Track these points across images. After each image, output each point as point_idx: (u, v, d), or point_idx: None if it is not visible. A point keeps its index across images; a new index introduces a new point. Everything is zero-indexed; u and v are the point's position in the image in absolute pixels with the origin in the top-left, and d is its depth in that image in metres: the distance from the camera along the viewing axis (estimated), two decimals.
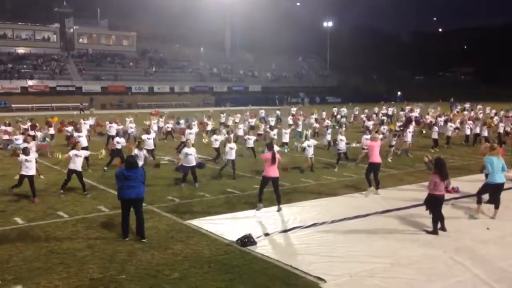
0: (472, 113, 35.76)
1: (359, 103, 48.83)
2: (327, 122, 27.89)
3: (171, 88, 69.24)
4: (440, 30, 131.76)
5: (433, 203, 9.65)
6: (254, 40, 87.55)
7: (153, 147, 17.69)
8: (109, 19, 77.00)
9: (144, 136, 17.87)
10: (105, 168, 16.48)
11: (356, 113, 38.30)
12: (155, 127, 25.42)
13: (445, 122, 25.49)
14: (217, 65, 79.68)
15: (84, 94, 61.53)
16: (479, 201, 11.06)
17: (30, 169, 12.17)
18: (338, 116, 35.13)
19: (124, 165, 9.39)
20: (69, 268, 7.81)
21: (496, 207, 10.84)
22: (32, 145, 14.92)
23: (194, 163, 14.10)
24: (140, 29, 76.45)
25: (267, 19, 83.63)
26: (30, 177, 12.21)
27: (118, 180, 9.34)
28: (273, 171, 11.11)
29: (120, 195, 9.31)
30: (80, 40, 72.94)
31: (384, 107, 40.57)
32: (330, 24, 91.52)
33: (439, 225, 9.60)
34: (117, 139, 17.24)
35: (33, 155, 12.44)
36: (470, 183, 14.15)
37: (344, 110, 38.62)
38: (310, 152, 16.58)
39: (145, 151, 14.30)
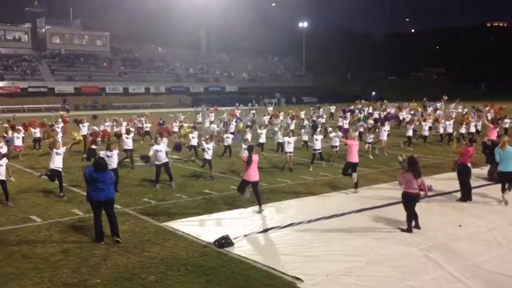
0: (442, 112, 36.47)
1: (334, 103, 49.25)
2: (306, 122, 28.05)
3: (147, 89, 68.60)
4: (412, 30, 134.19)
5: (407, 201, 9.80)
6: (229, 41, 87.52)
7: (131, 147, 17.54)
8: (82, 19, 75.89)
9: (123, 136, 17.76)
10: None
11: (333, 111, 38.63)
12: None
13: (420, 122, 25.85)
14: (193, 66, 79.27)
15: (56, 95, 60.41)
16: (503, 190, 11.97)
17: (0, 174, 11.87)
18: (314, 117, 35.18)
19: (93, 166, 9.22)
20: (42, 273, 7.67)
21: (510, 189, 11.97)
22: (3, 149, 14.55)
23: (166, 160, 14.03)
24: (114, 29, 75.45)
25: (242, 19, 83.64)
26: (2, 182, 11.92)
27: (86, 181, 9.21)
28: (253, 175, 11.03)
29: (88, 197, 9.19)
30: (52, 40, 71.57)
31: (360, 106, 41.08)
32: (305, 24, 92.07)
33: (413, 223, 9.76)
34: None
35: (4, 161, 12.07)
36: (442, 181, 14.45)
37: (321, 110, 38.85)
38: (290, 148, 16.75)
39: (117, 151, 13.98)
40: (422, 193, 9.91)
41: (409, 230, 9.66)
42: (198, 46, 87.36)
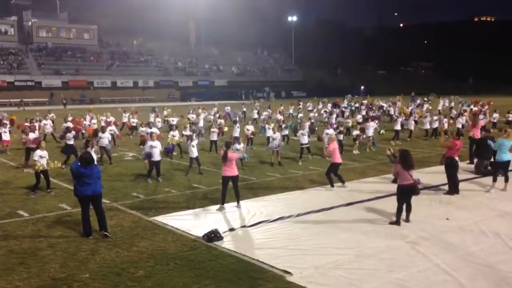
0: (427, 106, 36.80)
1: (324, 97, 49.36)
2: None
3: (135, 83, 68.15)
4: (401, 25, 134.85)
5: (402, 193, 9.91)
6: (218, 34, 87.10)
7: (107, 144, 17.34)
8: (69, 12, 74.89)
9: (99, 134, 17.59)
10: (63, 166, 16.10)
11: (320, 107, 38.69)
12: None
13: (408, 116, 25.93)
14: (182, 59, 78.86)
15: (44, 89, 59.77)
16: (495, 179, 12.67)
17: None
18: (299, 110, 35.16)
19: (79, 161, 9.16)
20: (30, 268, 7.61)
21: (506, 180, 12.65)
22: None
23: (159, 158, 14.06)
24: (102, 22, 74.69)
25: (232, 13, 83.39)
26: None
27: (73, 176, 9.16)
28: (230, 170, 10.98)
29: (76, 192, 9.15)
30: (39, 33, 70.68)
31: (346, 101, 41.19)
32: (294, 18, 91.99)
33: (404, 217, 9.84)
34: (68, 135, 16.95)
35: None
36: (430, 175, 14.56)
37: (309, 104, 38.95)
38: (274, 144, 16.73)
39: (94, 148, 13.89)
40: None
41: (397, 222, 9.74)
42: (187, 39, 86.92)
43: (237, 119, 24.62)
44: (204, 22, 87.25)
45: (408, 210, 9.91)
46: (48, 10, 73.65)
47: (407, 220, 9.86)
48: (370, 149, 20.25)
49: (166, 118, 28.11)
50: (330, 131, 18.32)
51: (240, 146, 14.40)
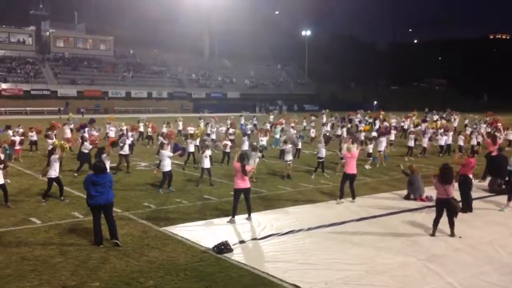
0: (443, 121, 36.46)
1: (336, 111, 49.27)
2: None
3: (149, 93, 68.73)
4: (415, 41, 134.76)
5: (436, 206, 10.27)
6: (232, 47, 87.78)
7: (127, 152, 17.56)
8: (86, 23, 76.18)
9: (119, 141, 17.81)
10: (75, 174, 16.26)
11: (334, 121, 38.63)
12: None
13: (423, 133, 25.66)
14: (195, 71, 79.48)
15: (59, 98, 60.52)
16: (510, 198, 12.52)
17: None
18: (312, 124, 35.12)
19: (92, 170, 9.25)
20: (41, 275, 7.66)
21: None
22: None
23: (170, 168, 14.21)
24: (118, 33, 75.83)
25: (246, 26, 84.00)
26: (1, 185, 11.94)
27: (86, 185, 9.22)
28: (244, 183, 10.97)
29: (88, 201, 9.19)
30: (56, 43, 71.92)
31: (359, 115, 41.05)
32: (308, 32, 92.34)
33: (449, 231, 10.08)
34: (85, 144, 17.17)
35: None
36: None
37: (324, 118, 38.94)
38: (289, 157, 16.70)
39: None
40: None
41: (432, 234, 9.99)
42: (201, 52, 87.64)
43: (249, 132, 24.64)
44: (218, 35, 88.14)
45: (450, 224, 10.07)
46: (66, 21, 74.98)
47: (451, 234, 10.02)
48: (381, 163, 20.12)
49: (180, 129, 28.38)
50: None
51: (259, 154, 14.62)
